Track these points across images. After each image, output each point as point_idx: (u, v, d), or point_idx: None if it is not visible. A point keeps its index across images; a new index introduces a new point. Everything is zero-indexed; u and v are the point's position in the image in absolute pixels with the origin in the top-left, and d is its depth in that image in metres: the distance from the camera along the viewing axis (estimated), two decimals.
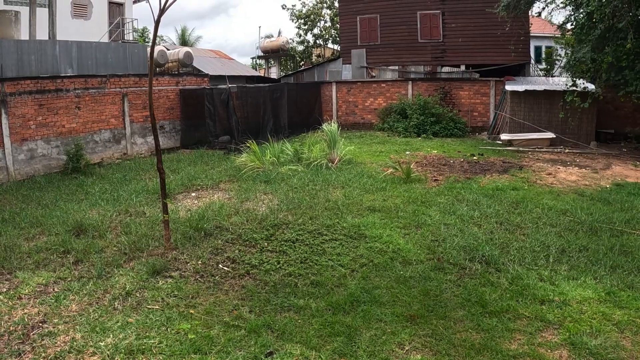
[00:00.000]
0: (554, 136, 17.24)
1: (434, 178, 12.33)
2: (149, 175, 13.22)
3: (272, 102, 19.95)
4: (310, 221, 8.76)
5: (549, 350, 5.43)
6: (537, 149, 16.47)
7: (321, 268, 7.30)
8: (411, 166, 12.65)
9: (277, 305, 6.31)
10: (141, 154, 16.91)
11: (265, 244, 7.95)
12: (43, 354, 5.27)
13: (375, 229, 8.57)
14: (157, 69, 23.58)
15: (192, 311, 6.13)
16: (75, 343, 5.45)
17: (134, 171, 13.91)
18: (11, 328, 5.73)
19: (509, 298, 6.41)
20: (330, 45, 41.17)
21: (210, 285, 6.81)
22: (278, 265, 7.33)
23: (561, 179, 12.29)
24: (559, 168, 13.50)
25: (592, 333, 5.68)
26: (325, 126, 14.64)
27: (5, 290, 6.61)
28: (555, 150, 16.47)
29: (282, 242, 8.01)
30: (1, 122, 12.73)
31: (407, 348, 5.53)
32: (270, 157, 13.77)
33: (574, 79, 16.52)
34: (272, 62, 38.51)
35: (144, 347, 5.38)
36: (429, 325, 5.91)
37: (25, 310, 6.11)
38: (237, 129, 17.61)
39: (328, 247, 7.91)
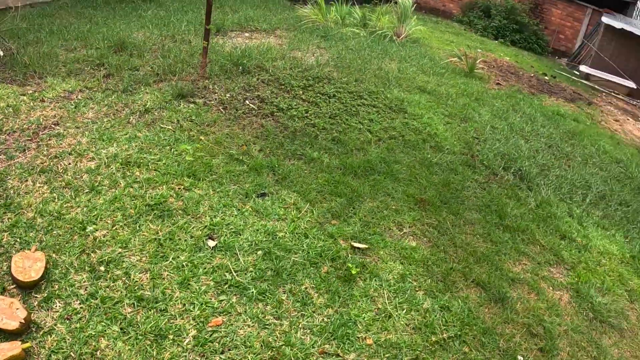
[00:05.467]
0: (635, 87, 15.90)
1: (497, 81, 11.35)
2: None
3: None
4: (354, 83, 8.03)
5: (551, 288, 4.94)
6: (612, 93, 15.20)
7: (348, 128, 6.72)
8: (477, 63, 11.62)
9: (290, 151, 5.88)
10: None
11: (301, 92, 7.29)
12: (45, 152, 5.02)
13: (419, 109, 7.84)
14: None
15: (202, 137, 5.71)
16: (78, 147, 5.16)
17: (195, 3, 12.91)
18: (25, 126, 5.43)
19: (530, 219, 5.82)
20: None
21: (230, 117, 6.31)
22: (305, 114, 6.76)
23: (627, 130, 11.28)
24: (628, 119, 12.40)
25: (602, 290, 5.15)
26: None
27: (31, 92, 6.22)
28: (631, 101, 15.18)
29: (318, 95, 7.34)
30: None
31: (405, 231, 5.08)
32: (334, 15, 12.72)
33: None
34: None
35: (141, 161, 5.07)
36: (437, 216, 5.40)
37: (44, 112, 5.76)
38: None
39: (363, 111, 7.25)
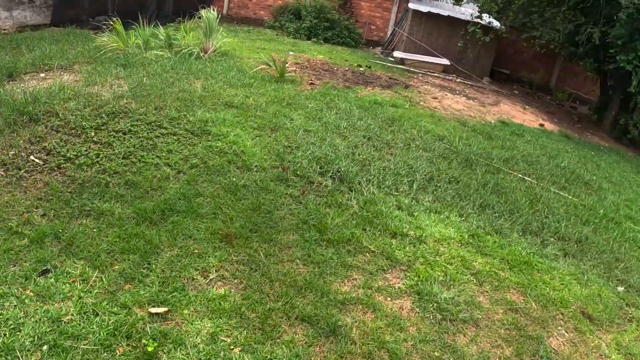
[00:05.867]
0: (449, 64, 16.30)
1: (310, 82, 10.84)
2: (5, 52, 10.71)
3: None
4: (154, 111, 7.06)
5: (389, 299, 4.26)
6: (428, 73, 15.40)
7: (144, 166, 5.75)
8: (289, 66, 11.09)
9: (77, 208, 4.90)
10: (4, 29, 13.91)
11: (93, 133, 6.22)
12: None
13: (224, 127, 7.00)
14: None
15: None
16: None
17: None
18: None
19: (354, 225, 5.14)
20: None
21: (12, 180, 5.18)
22: (96, 160, 5.71)
23: (446, 105, 11.21)
24: (446, 94, 12.42)
25: (446, 282, 4.58)
26: (203, 12, 12.62)
27: None
28: (447, 77, 15.49)
29: (113, 133, 6.30)
30: None
31: (211, 277, 4.22)
32: (135, 40, 11.63)
33: (481, 11, 15.69)
34: None
35: None
36: (248, 249, 4.57)
37: None
38: (112, 9, 15.09)
39: (161, 142, 6.30)
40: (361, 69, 13.57)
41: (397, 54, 16.54)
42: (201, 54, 11.51)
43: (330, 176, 6.10)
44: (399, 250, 4.87)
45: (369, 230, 5.08)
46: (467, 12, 16.88)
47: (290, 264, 4.44)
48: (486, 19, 15.88)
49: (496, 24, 16.06)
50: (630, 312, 5.16)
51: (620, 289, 5.57)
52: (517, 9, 14.65)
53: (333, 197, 5.64)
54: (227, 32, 13.98)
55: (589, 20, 13.47)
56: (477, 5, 16.27)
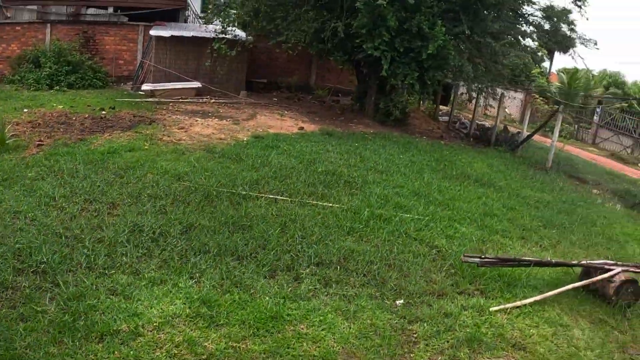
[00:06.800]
0: (201, 86, 15.72)
1: (38, 142, 9.44)
2: None
3: None
4: None
5: None
6: (180, 100, 14.60)
7: None
8: (18, 127, 9.70)
9: None
10: None
11: None
12: None
13: None
14: None
15: None
16: None
17: None
18: None
19: (49, 340, 3.99)
20: None
21: None
22: None
23: (194, 133, 10.42)
24: (196, 120, 11.66)
25: None
26: None
27: None
28: (200, 100, 14.85)
29: None
30: None
31: None
32: None
33: (224, 25, 15.39)
34: None
35: None
36: None
37: None
38: None
39: None
40: (103, 112, 12.34)
41: (146, 86, 15.55)
42: None
43: (32, 271, 4.93)
44: (106, 359, 3.89)
45: (69, 342, 3.98)
46: (213, 29, 16.45)
47: None
48: (232, 32, 15.59)
49: (242, 35, 15.76)
50: (414, 332, 4.68)
51: (400, 302, 5.12)
52: (261, 17, 14.67)
53: (30, 303, 4.46)
54: None
55: (333, 15, 13.74)
56: (219, 21, 15.89)
